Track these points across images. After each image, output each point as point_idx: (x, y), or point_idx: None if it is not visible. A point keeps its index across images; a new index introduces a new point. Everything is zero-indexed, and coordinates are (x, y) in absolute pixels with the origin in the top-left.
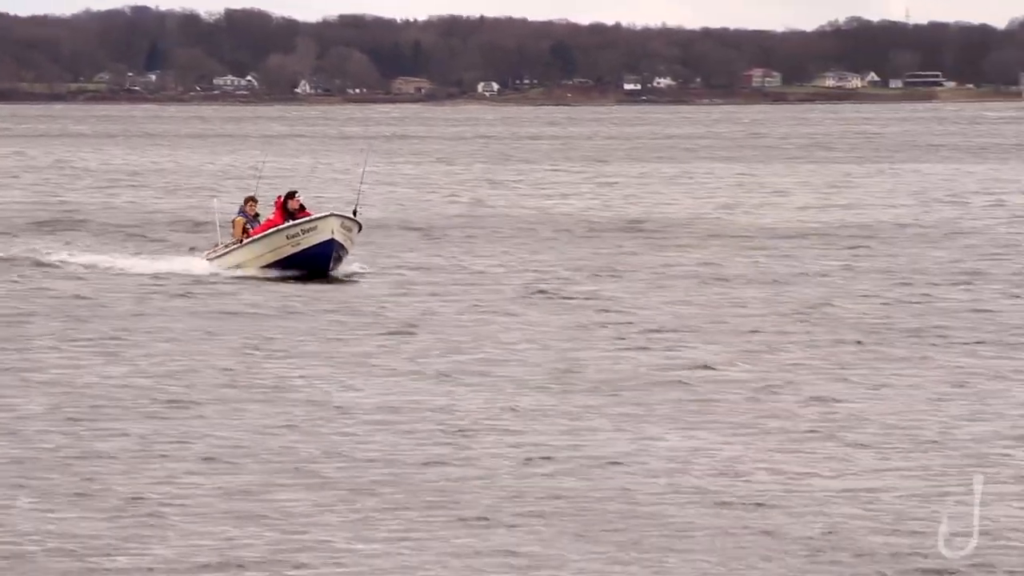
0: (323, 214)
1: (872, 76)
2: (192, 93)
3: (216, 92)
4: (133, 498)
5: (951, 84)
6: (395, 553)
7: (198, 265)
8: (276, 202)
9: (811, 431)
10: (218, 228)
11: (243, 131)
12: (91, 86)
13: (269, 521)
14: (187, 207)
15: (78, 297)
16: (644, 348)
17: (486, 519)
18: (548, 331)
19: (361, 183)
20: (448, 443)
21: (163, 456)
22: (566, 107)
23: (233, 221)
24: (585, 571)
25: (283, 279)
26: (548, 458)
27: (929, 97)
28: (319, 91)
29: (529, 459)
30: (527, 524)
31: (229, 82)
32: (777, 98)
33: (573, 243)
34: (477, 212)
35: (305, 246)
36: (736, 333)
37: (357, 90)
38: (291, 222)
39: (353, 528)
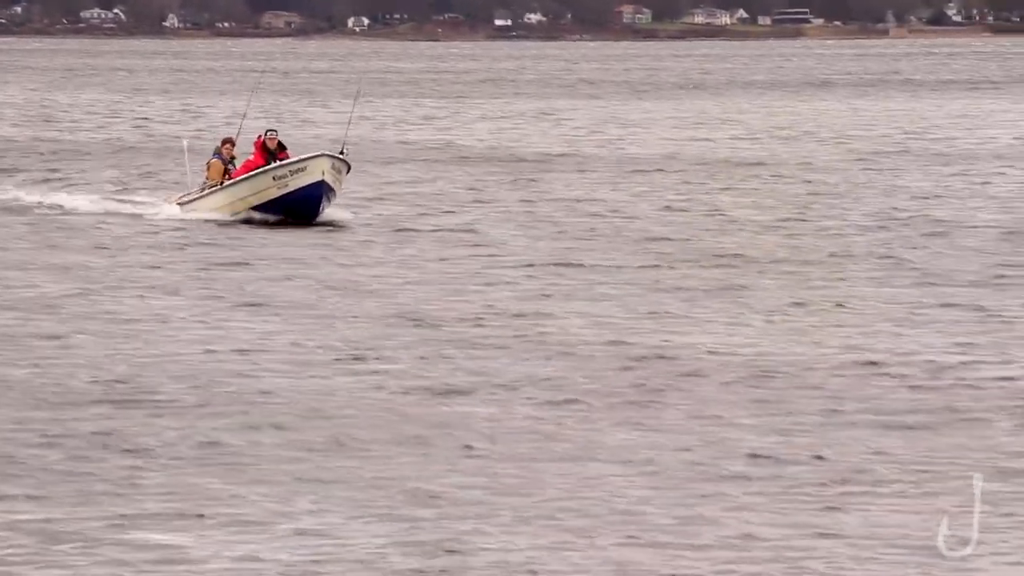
0: (313, 154)
1: (741, 13)
2: (59, 26)
3: (83, 25)
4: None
5: (819, 21)
6: (267, 484)
7: (167, 210)
8: (256, 142)
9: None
10: (188, 170)
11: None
12: None
13: (130, 447)
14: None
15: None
16: (510, 283)
17: (364, 448)
18: (414, 267)
19: (349, 121)
20: (315, 375)
21: (39, 399)
22: (436, 42)
23: (208, 164)
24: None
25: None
26: (421, 389)
27: (797, 34)
28: (187, 25)
29: (402, 388)
30: (401, 452)
31: (96, 15)
32: (648, 35)
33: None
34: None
35: (293, 188)
36: (593, 267)
37: (226, 24)
38: (277, 163)
39: (227, 464)
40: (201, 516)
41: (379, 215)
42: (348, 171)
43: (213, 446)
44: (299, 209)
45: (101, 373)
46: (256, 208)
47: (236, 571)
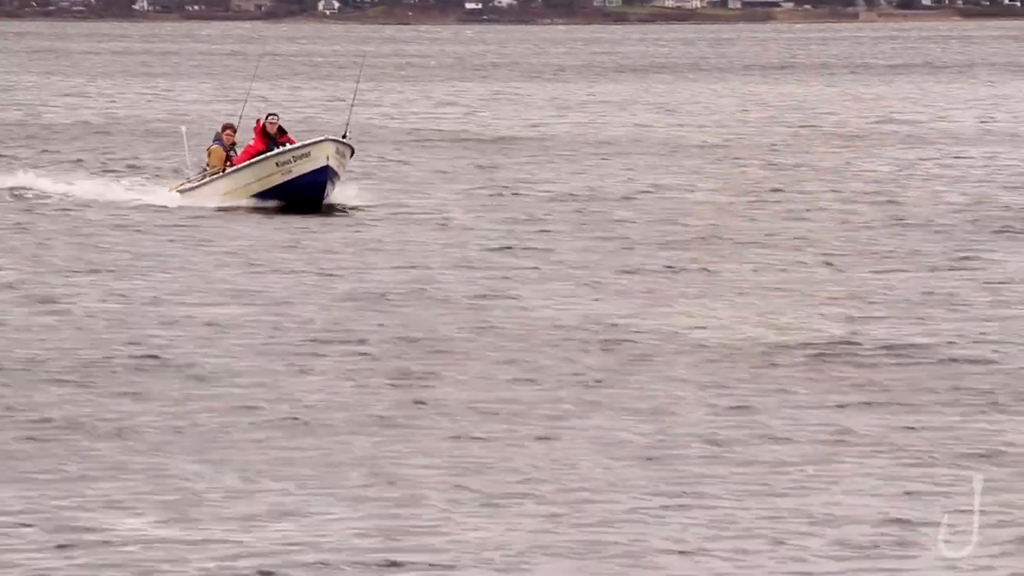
0: (317, 139)
1: None
2: (28, 9)
3: (52, 8)
4: None
5: (789, 5)
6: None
7: (167, 197)
8: (255, 127)
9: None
10: (187, 157)
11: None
12: None
13: (96, 430)
14: None
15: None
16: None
17: (331, 431)
18: (380, 248)
19: (352, 104)
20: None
21: (6, 380)
22: (406, 26)
23: (208, 150)
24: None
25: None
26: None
27: (767, 18)
28: (157, 8)
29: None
30: (368, 434)
31: None
32: (618, 18)
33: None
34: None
35: (297, 174)
36: (559, 250)
37: (196, 7)
38: (280, 148)
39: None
40: (169, 498)
41: (349, 198)
42: (352, 155)
43: (180, 428)
44: (303, 195)
45: (67, 355)
46: (259, 195)
47: (202, 552)
